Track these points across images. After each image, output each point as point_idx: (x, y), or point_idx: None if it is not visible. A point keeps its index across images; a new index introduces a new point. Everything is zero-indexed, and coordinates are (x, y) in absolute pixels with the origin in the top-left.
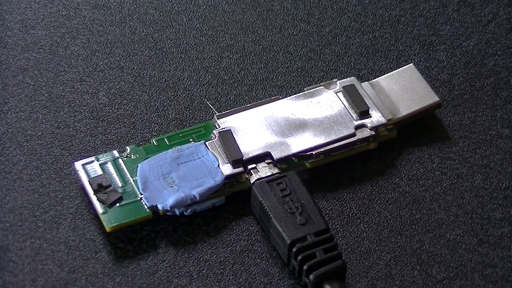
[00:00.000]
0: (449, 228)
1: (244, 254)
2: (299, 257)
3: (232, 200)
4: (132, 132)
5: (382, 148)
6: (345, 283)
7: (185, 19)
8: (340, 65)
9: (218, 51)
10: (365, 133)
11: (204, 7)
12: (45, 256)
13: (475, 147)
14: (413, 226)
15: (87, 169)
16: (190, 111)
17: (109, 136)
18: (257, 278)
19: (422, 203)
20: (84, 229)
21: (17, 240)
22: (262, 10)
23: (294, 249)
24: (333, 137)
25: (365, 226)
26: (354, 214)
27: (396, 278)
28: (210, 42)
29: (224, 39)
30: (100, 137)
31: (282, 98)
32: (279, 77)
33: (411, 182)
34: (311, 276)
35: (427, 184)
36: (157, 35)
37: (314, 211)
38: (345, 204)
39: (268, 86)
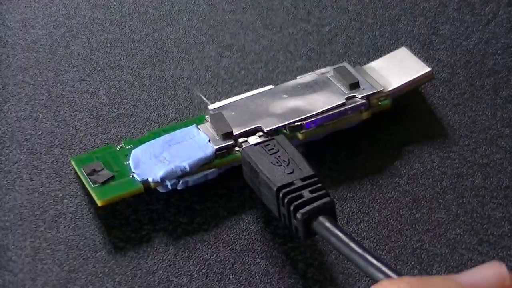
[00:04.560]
0: (449, 227)
1: (244, 253)
2: (286, 200)
3: (233, 199)
4: (132, 131)
5: (383, 148)
6: (336, 220)
7: (185, 18)
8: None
9: (218, 50)
10: (355, 101)
11: (204, 6)
12: (45, 256)
13: (475, 146)
14: (413, 226)
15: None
16: (190, 110)
17: (109, 136)
18: (257, 277)
19: (422, 202)
20: (84, 228)
21: (17, 239)
22: (262, 10)
23: (280, 194)
24: (324, 108)
25: (365, 225)
26: (354, 214)
27: None
28: (210, 41)
29: (224, 38)
30: (100, 136)
31: (275, 86)
32: (279, 77)
33: (411, 182)
34: (298, 215)
35: (427, 183)
36: (157, 34)
37: (301, 162)
38: (345, 204)
39: (268, 85)
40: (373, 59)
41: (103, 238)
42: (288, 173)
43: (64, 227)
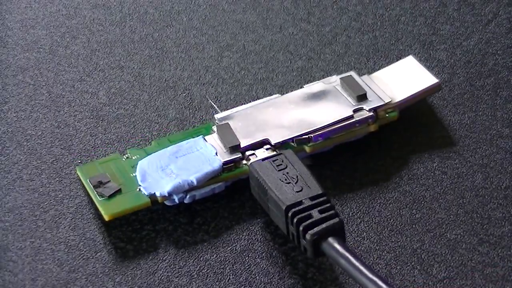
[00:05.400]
0: (449, 228)
1: (244, 254)
2: (295, 220)
3: (233, 199)
4: (132, 131)
5: (383, 148)
6: (345, 240)
7: (185, 19)
8: (340, 65)
9: (218, 50)
10: (363, 114)
11: (204, 6)
12: (45, 256)
13: (475, 146)
14: (414, 226)
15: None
16: (190, 110)
17: (109, 136)
18: (257, 277)
19: (423, 202)
20: (84, 228)
21: (17, 239)
22: (262, 10)
23: (289, 214)
24: (331, 120)
25: (365, 225)
26: (354, 214)
27: (397, 278)
28: (210, 42)
29: (224, 38)
30: (100, 136)
31: (282, 95)
32: (279, 77)
33: (411, 182)
34: (307, 235)
35: (427, 183)
36: (157, 34)
37: (310, 180)
38: (345, 204)
39: (268, 85)
40: (373, 59)
41: (103, 238)
42: (297, 191)
43: (64, 227)
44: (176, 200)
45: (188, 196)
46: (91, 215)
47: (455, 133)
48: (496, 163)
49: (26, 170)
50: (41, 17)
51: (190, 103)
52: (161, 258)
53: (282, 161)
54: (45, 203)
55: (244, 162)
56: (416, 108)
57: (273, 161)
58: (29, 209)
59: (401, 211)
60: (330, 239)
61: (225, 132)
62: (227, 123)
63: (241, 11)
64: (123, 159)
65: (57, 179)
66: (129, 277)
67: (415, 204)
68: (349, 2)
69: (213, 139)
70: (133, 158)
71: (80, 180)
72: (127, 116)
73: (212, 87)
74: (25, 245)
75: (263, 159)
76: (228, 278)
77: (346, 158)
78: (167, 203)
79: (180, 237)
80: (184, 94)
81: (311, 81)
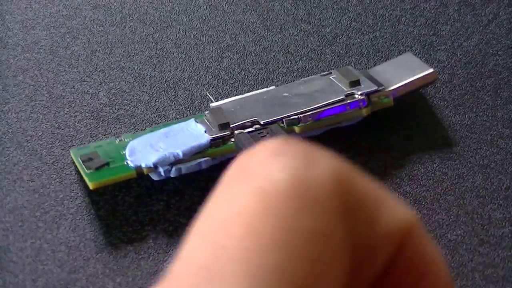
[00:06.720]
0: (450, 228)
1: None
2: None
3: None
4: (133, 132)
5: (383, 149)
6: None
7: (185, 19)
8: (341, 65)
9: (218, 51)
10: (354, 97)
11: (205, 7)
12: (46, 257)
13: (475, 147)
14: None
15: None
16: (191, 111)
17: (109, 136)
18: None
19: (423, 203)
20: (84, 229)
21: (17, 240)
22: (262, 10)
23: None
24: (322, 103)
25: None
26: None
27: None
28: (211, 42)
29: (224, 39)
30: (101, 137)
31: (277, 87)
32: (280, 77)
33: (411, 182)
34: None
35: (427, 184)
36: (157, 35)
37: None
38: None
39: (268, 86)
40: (374, 59)
41: (104, 239)
42: None
43: (65, 228)
44: (162, 173)
45: (174, 169)
46: (91, 216)
47: (456, 134)
48: (496, 164)
49: (26, 171)
50: (41, 18)
51: (191, 103)
52: (162, 259)
53: (268, 133)
54: (46, 204)
55: (232, 140)
56: (417, 108)
57: (259, 133)
58: (29, 210)
59: None
60: None
61: (217, 113)
62: (220, 107)
63: (241, 12)
64: (117, 142)
65: (58, 180)
66: (129, 277)
67: (415, 204)
68: (349, 3)
69: (205, 121)
70: (126, 140)
71: (73, 162)
72: (128, 117)
73: (212, 87)
74: (25, 245)
75: (249, 132)
76: None
77: (346, 159)
78: (153, 176)
79: (180, 238)
80: (185, 95)
81: None
